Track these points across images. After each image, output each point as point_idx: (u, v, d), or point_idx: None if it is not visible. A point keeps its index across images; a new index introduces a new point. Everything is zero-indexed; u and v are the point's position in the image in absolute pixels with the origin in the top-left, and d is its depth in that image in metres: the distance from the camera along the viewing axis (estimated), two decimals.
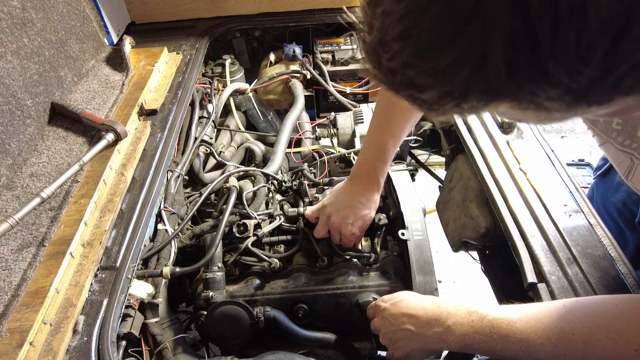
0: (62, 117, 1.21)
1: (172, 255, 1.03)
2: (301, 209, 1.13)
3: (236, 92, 1.65)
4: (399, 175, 1.14)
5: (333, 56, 1.65)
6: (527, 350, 0.65)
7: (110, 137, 1.11)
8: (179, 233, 1.08)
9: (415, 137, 1.42)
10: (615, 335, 0.60)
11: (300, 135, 1.53)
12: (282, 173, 1.33)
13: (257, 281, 1.04)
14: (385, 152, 0.98)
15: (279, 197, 1.26)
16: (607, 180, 1.24)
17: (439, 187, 1.41)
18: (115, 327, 0.83)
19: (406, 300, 0.82)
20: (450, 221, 1.24)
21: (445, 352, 0.90)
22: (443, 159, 1.58)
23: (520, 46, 0.31)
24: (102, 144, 1.09)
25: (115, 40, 1.58)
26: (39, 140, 1.14)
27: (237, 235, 1.06)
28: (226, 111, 1.65)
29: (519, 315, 0.68)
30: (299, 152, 1.51)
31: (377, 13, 0.37)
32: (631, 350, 0.58)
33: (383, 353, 1.06)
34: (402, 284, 1.00)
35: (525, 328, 0.66)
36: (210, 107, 1.49)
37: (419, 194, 1.08)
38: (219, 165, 1.44)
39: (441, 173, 1.53)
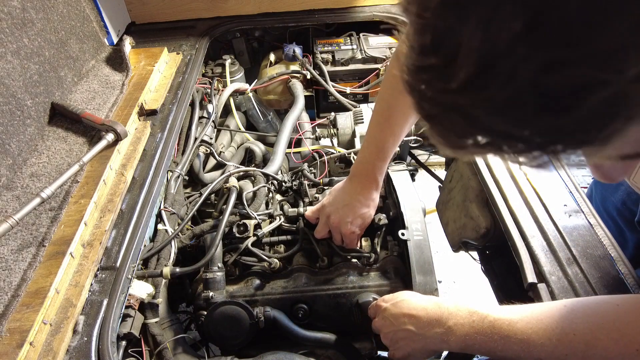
0: (62, 117, 1.21)
1: (172, 255, 1.03)
2: (301, 209, 1.13)
3: (236, 92, 1.65)
4: (399, 175, 1.14)
5: (333, 56, 1.65)
6: (528, 350, 0.65)
7: (110, 137, 1.10)
8: (179, 233, 1.08)
9: (415, 137, 1.42)
10: (617, 336, 0.60)
11: (300, 135, 1.53)
12: (282, 173, 1.33)
13: (257, 281, 1.03)
14: (384, 151, 0.98)
15: (279, 197, 1.26)
16: None
17: (439, 187, 1.41)
18: (115, 327, 0.83)
19: (407, 301, 0.82)
20: (450, 221, 1.24)
21: (445, 352, 0.90)
22: (443, 159, 1.59)
23: None
24: (102, 144, 1.09)
25: (115, 40, 1.58)
26: (39, 140, 1.14)
27: (237, 235, 1.06)
28: (226, 111, 1.65)
29: (520, 316, 0.68)
30: (299, 152, 1.51)
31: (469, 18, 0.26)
32: (632, 350, 0.58)
33: (383, 353, 1.06)
34: (402, 284, 1.00)
35: (526, 328, 0.66)
36: (210, 107, 1.49)
37: (419, 194, 1.08)
38: (219, 166, 1.44)
39: (441, 173, 1.52)
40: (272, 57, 1.78)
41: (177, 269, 0.98)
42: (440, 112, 0.31)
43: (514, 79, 0.26)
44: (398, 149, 1.02)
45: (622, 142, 0.30)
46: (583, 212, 0.93)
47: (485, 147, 0.32)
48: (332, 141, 1.54)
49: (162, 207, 1.13)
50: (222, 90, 1.60)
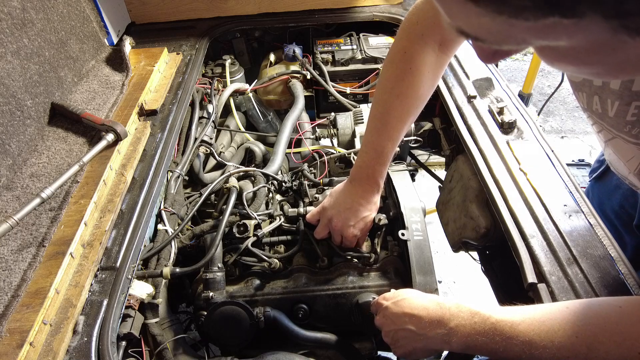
0: (62, 117, 1.21)
1: (172, 255, 1.03)
2: (301, 209, 1.13)
3: (236, 93, 1.65)
4: (399, 176, 1.14)
5: (333, 56, 1.66)
6: (529, 352, 0.65)
7: (110, 137, 1.10)
8: (179, 233, 1.08)
9: (415, 137, 1.42)
10: (619, 339, 0.60)
11: (300, 135, 1.53)
12: (282, 173, 1.33)
13: (257, 281, 1.03)
14: (383, 156, 0.98)
15: (279, 197, 1.26)
16: (603, 183, 1.24)
17: (439, 187, 1.41)
18: (115, 327, 0.83)
19: (408, 299, 0.82)
20: (450, 221, 1.24)
21: (445, 352, 0.90)
22: (443, 159, 1.58)
23: None
24: (102, 144, 1.09)
25: (115, 40, 1.58)
26: (39, 140, 1.14)
27: (237, 235, 1.06)
28: (226, 111, 1.65)
29: (522, 318, 0.68)
30: (299, 152, 1.51)
31: None
32: (635, 354, 0.58)
33: (384, 353, 1.06)
34: (402, 284, 1.00)
35: (528, 330, 0.66)
36: (210, 108, 1.49)
37: (419, 194, 1.08)
38: (219, 166, 1.44)
39: (441, 173, 1.53)
40: (272, 57, 1.78)
41: (177, 269, 0.98)
42: None
43: None
44: (398, 149, 1.02)
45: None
46: (583, 212, 0.93)
47: None
48: (332, 141, 1.54)
49: (162, 207, 1.13)
50: (222, 91, 1.60)
